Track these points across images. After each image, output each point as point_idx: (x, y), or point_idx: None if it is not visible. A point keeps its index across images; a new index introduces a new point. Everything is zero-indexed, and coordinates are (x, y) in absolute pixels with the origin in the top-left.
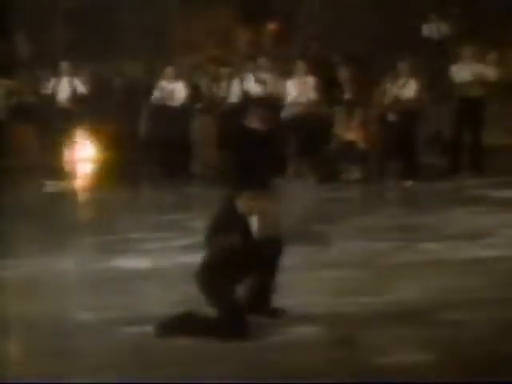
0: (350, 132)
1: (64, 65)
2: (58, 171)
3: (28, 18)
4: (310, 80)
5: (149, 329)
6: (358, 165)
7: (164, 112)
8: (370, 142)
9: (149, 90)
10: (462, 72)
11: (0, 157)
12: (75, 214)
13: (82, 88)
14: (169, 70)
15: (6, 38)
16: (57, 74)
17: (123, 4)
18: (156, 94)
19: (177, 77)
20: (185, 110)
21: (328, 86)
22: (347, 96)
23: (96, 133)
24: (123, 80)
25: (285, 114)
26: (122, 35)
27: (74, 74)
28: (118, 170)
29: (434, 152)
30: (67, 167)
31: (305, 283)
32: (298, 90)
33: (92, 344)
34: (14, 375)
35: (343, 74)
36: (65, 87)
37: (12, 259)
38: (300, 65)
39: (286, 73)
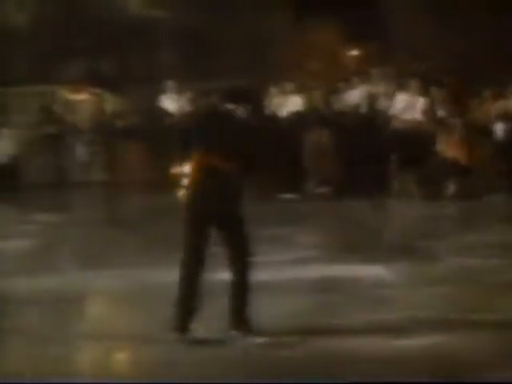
0: (451, 148)
1: (170, 83)
2: (165, 185)
3: (139, 37)
4: (420, 100)
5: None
6: (461, 180)
7: (276, 125)
8: (472, 157)
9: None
10: None
11: (110, 172)
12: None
13: (187, 106)
14: (287, 85)
15: (117, 56)
16: (164, 91)
17: (229, 23)
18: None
19: (291, 91)
20: (298, 123)
21: (428, 103)
22: (445, 112)
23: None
24: None
25: (389, 129)
26: (228, 53)
27: (180, 92)
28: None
29: None
30: (175, 181)
31: (410, 298)
32: (405, 107)
33: (203, 355)
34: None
35: (443, 90)
36: (172, 105)
37: (124, 269)
38: (413, 84)
39: (394, 90)
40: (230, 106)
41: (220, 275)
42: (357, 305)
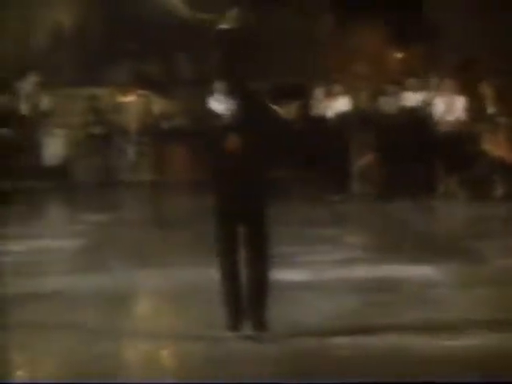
0: (497, 147)
1: (219, 84)
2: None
3: (186, 39)
4: (459, 99)
5: (312, 340)
6: (508, 181)
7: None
8: None
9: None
10: None
11: (158, 172)
12: None
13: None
14: (335, 87)
15: (166, 58)
16: (212, 93)
17: (276, 24)
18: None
19: (338, 92)
20: (344, 125)
21: (473, 103)
22: (492, 111)
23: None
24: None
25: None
26: (276, 54)
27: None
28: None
29: None
30: None
31: (458, 298)
32: (445, 108)
33: (257, 354)
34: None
35: (487, 89)
36: (220, 106)
37: (172, 268)
38: (448, 83)
39: (434, 90)
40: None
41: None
42: (405, 305)
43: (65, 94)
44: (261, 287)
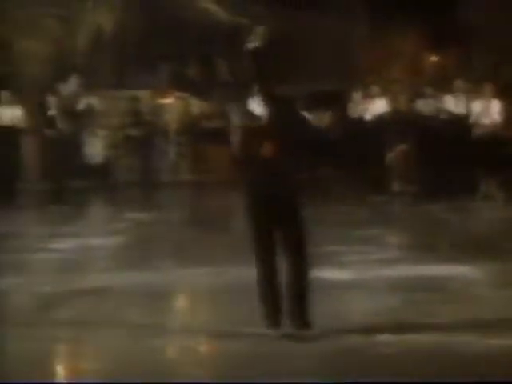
0: None
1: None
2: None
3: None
4: (496, 101)
5: (357, 337)
6: None
7: (361, 127)
8: None
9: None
10: None
11: (197, 172)
12: None
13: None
14: (373, 89)
15: (204, 60)
16: (251, 95)
17: (313, 27)
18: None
19: (376, 95)
20: (379, 126)
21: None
22: None
23: None
24: None
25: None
26: (313, 57)
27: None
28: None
29: None
30: None
31: (496, 297)
32: (483, 110)
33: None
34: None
35: None
36: (259, 108)
37: (213, 266)
38: (486, 86)
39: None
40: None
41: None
42: (446, 303)
43: (106, 96)
44: (300, 287)
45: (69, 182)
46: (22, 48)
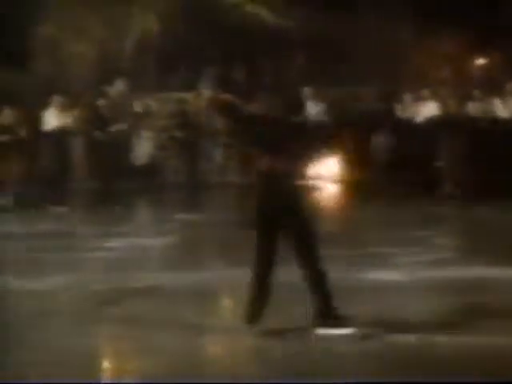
0: None
1: (307, 90)
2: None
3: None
4: None
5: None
6: None
7: (411, 130)
8: None
9: (383, 114)
10: None
11: (244, 173)
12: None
13: (321, 112)
14: (423, 92)
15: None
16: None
17: (361, 30)
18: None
19: (426, 97)
20: (433, 129)
21: None
22: None
23: (341, 152)
24: (360, 105)
25: None
26: (360, 60)
27: (315, 98)
28: (360, 188)
29: None
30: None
31: None
32: None
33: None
34: None
35: None
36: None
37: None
38: None
39: None
40: None
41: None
42: (496, 305)
43: (154, 98)
44: (320, 288)
45: (117, 183)
46: (71, 51)
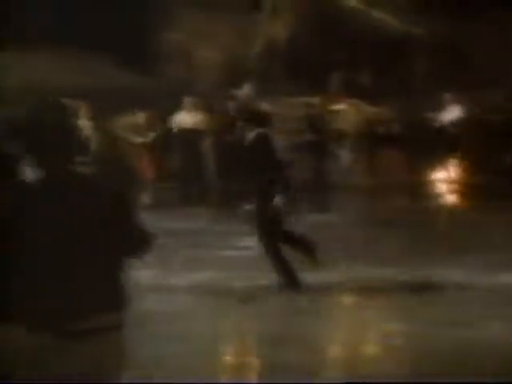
0: None
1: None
2: (421, 189)
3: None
4: None
5: None
6: None
7: None
8: None
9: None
10: None
11: (372, 175)
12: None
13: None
14: None
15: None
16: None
17: (482, 35)
18: None
19: None
20: None
21: None
22: None
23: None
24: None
25: None
26: (482, 65)
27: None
28: (477, 191)
29: None
30: (431, 186)
31: None
32: None
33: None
34: None
35: None
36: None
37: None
38: None
39: None
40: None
41: None
42: None
43: (282, 103)
44: None
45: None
46: (201, 56)
